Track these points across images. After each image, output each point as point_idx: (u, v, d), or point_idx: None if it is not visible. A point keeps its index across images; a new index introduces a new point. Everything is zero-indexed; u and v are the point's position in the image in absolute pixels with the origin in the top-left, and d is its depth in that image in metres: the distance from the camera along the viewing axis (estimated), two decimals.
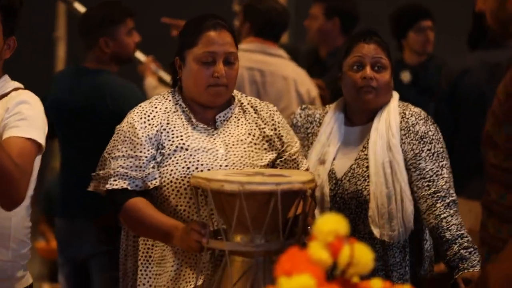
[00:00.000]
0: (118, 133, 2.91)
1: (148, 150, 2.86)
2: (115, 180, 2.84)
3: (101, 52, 4.01)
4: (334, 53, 5.09)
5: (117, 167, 2.84)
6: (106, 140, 2.95)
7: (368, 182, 3.13)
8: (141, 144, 2.85)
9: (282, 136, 2.99)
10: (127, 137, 2.87)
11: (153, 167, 2.85)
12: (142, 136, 2.86)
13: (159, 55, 5.12)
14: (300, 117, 3.32)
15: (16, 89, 2.82)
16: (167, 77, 5.02)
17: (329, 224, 1.98)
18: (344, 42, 5.04)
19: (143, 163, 2.84)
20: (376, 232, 3.10)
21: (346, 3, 5.23)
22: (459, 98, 4.27)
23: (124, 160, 2.85)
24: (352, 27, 5.19)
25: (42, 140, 2.71)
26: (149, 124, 2.89)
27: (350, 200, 3.16)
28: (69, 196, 4.01)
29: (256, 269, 2.59)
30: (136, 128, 2.87)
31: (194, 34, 2.90)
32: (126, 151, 2.86)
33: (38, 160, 2.77)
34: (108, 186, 2.84)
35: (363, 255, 1.96)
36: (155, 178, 2.85)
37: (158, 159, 2.86)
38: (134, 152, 2.85)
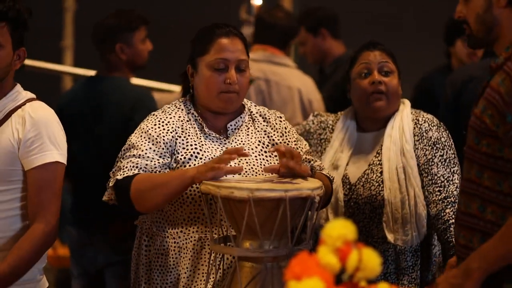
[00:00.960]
0: (130, 140, 2.93)
1: (162, 154, 2.88)
2: (124, 172, 2.83)
3: (117, 58, 4.05)
4: (333, 62, 5.11)
5: (128, 162, 2.85)
6: (121, 148, 2.97)
7: (382, 187, 3.17)
8: (155, 148, 2.87)
9: (289, 142, 3.03)
10: (139, 141, 2.89)
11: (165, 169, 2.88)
12: (157, 141, 2.88)
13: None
14: (313, 123, 3.37)
15: (29, 100, 2.88)
16: (161, 85, 5.03)
17: (338, 229, 2.01)
18: (344, 51, 5.11)
19: (154, 164, 2.86)
20: (390, 237, 3.14)
21: (321, 11, 5.24)
22: (463, 106, 4.29)
23: (136, 158, 2.85)
24: (339, 27, 5.20)
25: (64, 157, 2.86)
26: (164, 129, 2.91)
27: (364, 205, 3.20)
28: (82, 205, 4.04)
29: (265, 275, 2.63)
30: (150, 134, 2.90)
31: (207, 42, 2.95)
32: (138, 153, 2.87)
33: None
34: (118, 177, 2.82)
35: (370, 260, 1.99)
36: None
37: (173, 166, 2.89)
38: (146, 153, 2.86)
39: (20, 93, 2.89)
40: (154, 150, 2.88)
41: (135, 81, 4.41)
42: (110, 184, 2.86)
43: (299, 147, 3.05)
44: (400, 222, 3.14)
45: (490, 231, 2.39)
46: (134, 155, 2.86)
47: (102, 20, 4.16)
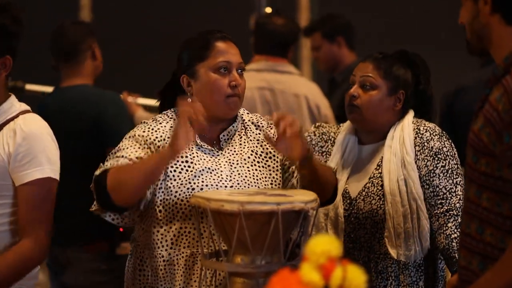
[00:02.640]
0: (118, 146, 2.85)
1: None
2: (104, 169, 2.74)
3: (88, 66, 4.01)
4: (344, 70, 5.06)
5: (111, 163, 2.76)
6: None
7: (383, 201, 3.09)
8: (142, 154, 2.78)
9: None
10: (126, 145, 2.81)
11: None
12: (146, 144, 2.81)
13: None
14: (314, 135, 3.28)
15: (23, 112, 2.80)
16: (150, 101, 4.97)
17: (322, 245, 1.94)
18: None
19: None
20: (393, 252, 3.06)
21: (340, 19, 5.20)
22: (456, 116, 4.24)
23: (121, 159, 2.77)
24: (355, 38, 5.15)
25: (56, 173, 2.78)
26: (153, 135, 2.84)
27: (365, 220, 3.12)
28: (61, 223, 3.91)
29: None
30: (138, 138, 2.82)
31: (204, 47, 2.90)
32: (122, 154, 2.78)
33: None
34: (96, 172, 2.73)
35: (355, 278, 1.92)
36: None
37: (161, 177, 2.82)
38: (129, 155, 2.77)
39: (14, 105, 2.82)
40: (142, 154, 2.79)
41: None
42: (92, 186, 2.78)
43: None
44: (402, 236, 3.05)
45: (489, 254, 2.30)
46: (118, 156, 2.79)
47: (67, 31, 4.09)
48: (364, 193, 3.14)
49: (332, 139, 3.26)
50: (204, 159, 2.86)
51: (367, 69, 3.15)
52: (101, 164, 2.81)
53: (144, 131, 2.85)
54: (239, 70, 2.92)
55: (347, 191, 3.16)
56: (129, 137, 2.86)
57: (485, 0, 2.31)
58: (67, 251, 3.88)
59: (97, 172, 2.75)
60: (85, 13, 7.45)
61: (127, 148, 2.80)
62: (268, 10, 5.62)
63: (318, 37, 5.14)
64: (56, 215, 3.84)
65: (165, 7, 8.18)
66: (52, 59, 4.07)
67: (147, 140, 2.82)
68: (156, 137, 2.84)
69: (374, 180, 3.14)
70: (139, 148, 2.80)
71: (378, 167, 3.15)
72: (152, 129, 2.86)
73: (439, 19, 7.57)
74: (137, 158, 2.76)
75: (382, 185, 3.10)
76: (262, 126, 3.00)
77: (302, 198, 2.60)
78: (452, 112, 4.25)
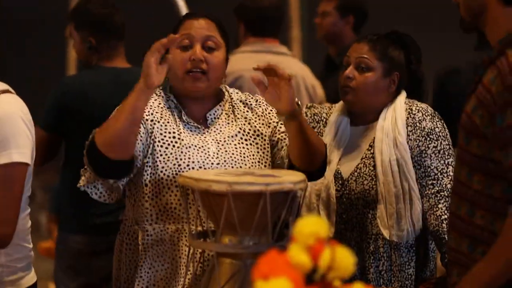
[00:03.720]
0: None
1: (139, 139, 2.78)
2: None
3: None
4: (343, 51, 5.01)
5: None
6: None
7: (375, 181, 3.08)
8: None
9: (271, 123, 2.95)
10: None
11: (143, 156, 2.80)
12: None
13: None
14: (306, 116, 3.27)
15: (3, 91, 2.72)
16: None
17: (310, 226, 1.92)
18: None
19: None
20: (385, 233, 3.05)
21: (359, 0, 5.14)
22: (449, 98, 4.22)
23: None
24: (363, 25, 5.11)
25: (25, 157, 2.66)
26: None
27: (357, 201, 3.11)
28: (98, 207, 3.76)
29: (245, 272, 2.53)
30: None
31: (177, 26, 2.90)
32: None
33: (30, 171, 2.72)
34: (87, 142, 2.71)
35: (344, 259, 1.90)
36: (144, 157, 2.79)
37: (149, 151, 2.81)
38: None
39: None
40: None
41: None
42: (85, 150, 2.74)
43: (282, 124, 2.93)
44: (395, 217, 3.04)
45: (479, 237, 2.29)
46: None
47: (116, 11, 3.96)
48: (356, 173, 3.12)
49: (324, 120, 3.24)
50: (191, 136, 2.85)
51: (362, 50, 3.13)
52: None
53: None
54: (208, 45, 2.86)
55: (339, 171, 3.15)
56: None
57: None
58: (110, 236, 3.68)
59: (87, 142, 2.72)
60: (75, 2, 7.38)
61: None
62: None
63: (332, 4, 5.06)
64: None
65: None
66: (93, 39, 3.85)
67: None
68: (147, 113, 2.84)
69: (366, 161, 3.13)
70: None
71: (370, 148, 3.14)
72: None
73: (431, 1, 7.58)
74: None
75: (374, 166, 3.09)
76: (251, 104, 2.98)
77: (291, 178, 2.58)
78: (444, 93, 4.23)
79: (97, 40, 3.86)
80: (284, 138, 2.91)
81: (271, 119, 2.96)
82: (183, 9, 4.17)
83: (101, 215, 3.77)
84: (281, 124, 2.93)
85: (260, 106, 2.98)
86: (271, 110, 2.98)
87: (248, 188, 2.49)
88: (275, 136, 2.93)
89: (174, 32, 2.87)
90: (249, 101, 2.99)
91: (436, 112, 3.15)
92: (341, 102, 3.24)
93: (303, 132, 2.75)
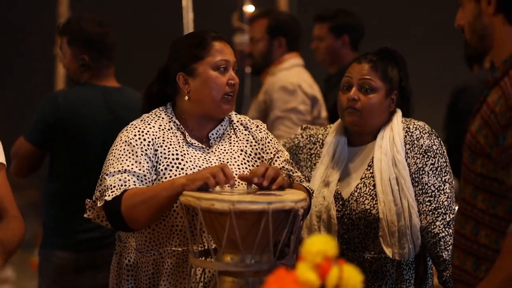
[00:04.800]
0: (112, 152, 2.86)
1: (147, 169, 2.81)
2: (112, 192, 2.75)
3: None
4: (341, 70, 5.06)
5: (114, 181, 2.77)
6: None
7: (376, 200, 3.09)
8: (140, 162, 2.81)
9: (268, 153, 2.97)
10: (123, 155, 2.82)
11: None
12: (140, 153, 2.82)
13: None
14: (302, 137, 3.28)
15: None
16: None
17: (318, 244, 1.94)
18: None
19: (142, 178, 2.79)
20: (388, 252, 3.06)
21: (351, 18, 5.18)
22: (458, 116, 4.26)
23: (122, 174, 2.78)
24: (360, 41, 5.16)
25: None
26: (145, 140, 2.85)
27: (358, 220, 3.12)
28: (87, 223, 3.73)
29: None
30: (132, 145, 2.83)
31: (201, 46, 2.92)
32: (123, 167, 2.79)
33: None
34: (107, 198, 2.74)
35: (351, 277, 1.93)
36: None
37: (153, 178, 2.83)
38: (132, 168, 2.80)
39: None
40: (139, 163, 2.81)
41: None
42: (99, 204, 2.77)
43: (279, 157, 2.97)
44: (396, 235, 3.06)
45: (484, 255, 2.31)
46: (119, 170, 2.79)
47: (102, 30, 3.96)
48: (356, 194, 3.14)
49: (321, 141, 3.26)
50: (195, 157, 2.87)
51: (364, 71, 3.14)
52: (101, 176, 2.81)
53: (135, 135, 2.86)
54: (235, 70, 2.95)
55: (338, 192, 3.16)
56: (123, 143, 2.86)
57: (488, 0, 2.32)
58: (105, 250, 3.77)
59: (107, 198, 2.74)
60: (63, 9, 7.40)
61: (126, 159, 2.81)
62: (251, 8, 5.61)
63: (325, 28, 5.11)
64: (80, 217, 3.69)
65: (142, 6, 8.17)
66: (87, 56, 3.88)
67: (140, 149, 2.83)
68: (149, 140, 2.86)
69: (365, 181, 3.14)
70: (136, 157, 2.81)
71: (369, 167, 3.16)
72: (142, 131, 2.88)
73: (417, 15, 7.62)
74: (142, 172, 2.79)
75: (374, 185, 3.11)
76: (251, 129, 3.01)
77: (292, 197, 2.60)
78: (454, 111, 4.27)
79: (90, 58, 3.88)
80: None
81: (269, 149, 2.99)
82: (190, 25, 4.19)
83: (85, 231, 3.76)
84: (279, 156, 2.97)
85: (260, 132, 3.02)
86: (271, 140, 3.02)
87: (250, 206, 2.50)
88: (284, 170, 2.95)
89: (200, 52, 2.91)
90: (249, 126, 3.03)
91: (433, 130, 3.18)
92: (337, 123, 3.26)
93: None
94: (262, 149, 2.97)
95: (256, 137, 2.99)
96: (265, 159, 2.96)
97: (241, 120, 3.03)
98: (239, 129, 3.00)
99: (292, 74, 4.68)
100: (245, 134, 2.99)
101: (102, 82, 3.90)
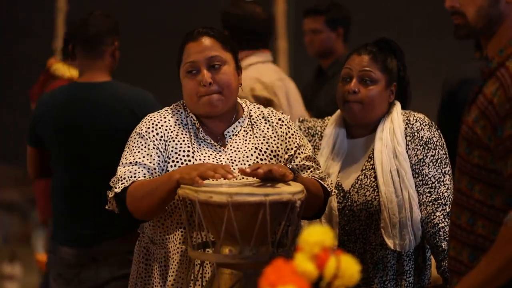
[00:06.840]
0: (128, 144, 2.89)
1: (157, 162, 2.82)
2: (122, 183, 2.77)
3: (107, 62, 3.81)
4: (334, 62, 5.06)
5: (125, 172, 2.79)
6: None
7: (377, 192, 3.10)
8: (151, 155, 2.83)
9: (289, 148, 2.94)
10: (136, 147, 2.84)
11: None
12: (152, 147, 2.84)
13: None
14: (300, 129, 3.27)
15: None
16: None
17: (315, 235, 1.95)
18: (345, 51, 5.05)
19: (152, 171, 2.81)
20: (389, 243, 3.07)
21: (344, 11, 5.20)
22: (459, 108, 4.25)
23: (133, 166, 2.80)
24: (348, 32, 5.17)
25: None
26: (158, 134, 2.86)
27: (359, 212, 3.13)
28: (99, 216, 3.69)
29: (245, 282, 2.55)
30: (145, 138, 2.85)
31: (180, 50, 2.91)
32: (134, 159, 2.81)
33: None
34: (116, 190, 2.76)
35: (349, 267, 1.94)
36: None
37: (163, 171, 2.84)
38: (143, 161, 2.81)
39: None
40: (150, 155, 2.82)
41: None
42: (110, 195, 2.80)
43: (300, 153, 2.94)
44: (397, 226, 3.06)
45: (480, 246, 2.31)
46: (131, 162, 2.81)
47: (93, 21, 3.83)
48: (357, 185, 3.14)
49: (319, 133, 3.26)
50: (206, 154, 2.86)
51: (364, 63, 3.13)
52: (118, 167, 2.83)
53: (149, 127, 2.88)
54: (212, 65, 2.85)
55: (339, 184, 3.16)
56: (137, 135, 2.88)
57: None
58: (102, 244, 3.73)
59: (117, 190, 2.76)
60: (61, 3, 7.40)
61: (139, 151, 2.83)
62: None
63: (320, 21, 5.11)
64: (93, 210, 3.64)
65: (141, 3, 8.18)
66: (70, 47, 3.79)
67: (153, 142, 2.84)
68: (162, 135, 2.86)
69: (366, 172, 3.15)
70: (148, 150, 2.83)
71: (369, 159, 3.16)
72: (156, 125, 2.88)
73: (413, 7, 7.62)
74: (153, 165, 2.81)
75: (375, 177, 3.11)
76: (272, 122, 2.97)
77: (290, 189, 2.60)
78: (454, 103, 4.25)
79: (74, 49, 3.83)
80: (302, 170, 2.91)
81: (290, 145, 2.94)
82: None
83: (84, 227, 3.76)
84: (299, 152, 2.93)
85: (281, 126, 2.97)
86: (292, 134, 2.96)
87: (248, 199, 2.50)
88: (290, 165, 2.91)
89: (179, 58, 2.89)
90: (271, 118, 2.98)
91: (433, 122, 3.18)
92: (335, 115, 3.25)
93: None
94: (281, 144, 2.93)
95: (277, 132, 2.95)
96: (282, 158, 2.92)
97: (263, 113, 2.98)
98: (257, 124, 2.95)
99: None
100: (265, 129, 2.95)
101: (87, 78, 3.80)
